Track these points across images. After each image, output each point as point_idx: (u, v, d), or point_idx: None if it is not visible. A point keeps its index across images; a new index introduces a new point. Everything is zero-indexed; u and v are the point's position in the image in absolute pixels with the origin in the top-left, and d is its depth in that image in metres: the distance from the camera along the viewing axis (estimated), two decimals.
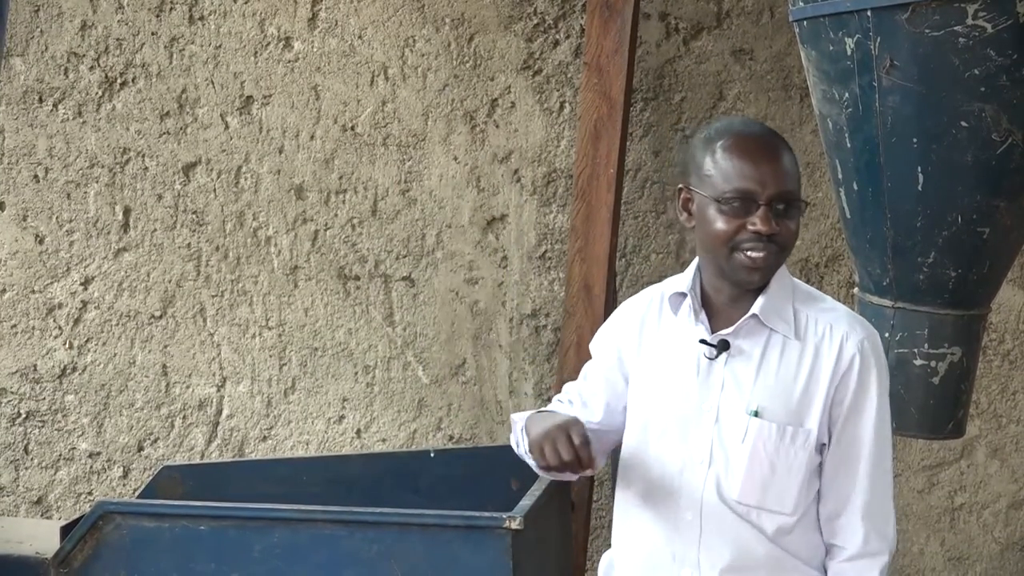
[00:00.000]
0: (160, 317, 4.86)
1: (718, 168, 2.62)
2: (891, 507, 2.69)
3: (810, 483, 2.64)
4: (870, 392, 2.63)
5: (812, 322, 2.65)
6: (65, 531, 3.63)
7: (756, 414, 2.62)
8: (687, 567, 2.66)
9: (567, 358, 4.35)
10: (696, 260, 2.74)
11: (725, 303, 2.68)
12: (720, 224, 2.61)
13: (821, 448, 2.65)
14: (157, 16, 4.78)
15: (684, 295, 2.71)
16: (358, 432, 4.82)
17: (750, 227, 2.60)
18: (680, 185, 2.71)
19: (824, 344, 2.63)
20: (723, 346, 2.65)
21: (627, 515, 2.77)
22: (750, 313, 2.64)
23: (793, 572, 2.66)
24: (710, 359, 2.66)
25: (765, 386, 2.63)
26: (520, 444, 2.82)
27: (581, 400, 2.87)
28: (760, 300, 2.64)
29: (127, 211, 4.85)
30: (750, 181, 2.59)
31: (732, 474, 2.63)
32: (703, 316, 2.69)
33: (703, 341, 2.67)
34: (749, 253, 2.61)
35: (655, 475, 2.70)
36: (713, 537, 2.64)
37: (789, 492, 2.63)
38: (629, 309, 2.85)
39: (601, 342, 2.89)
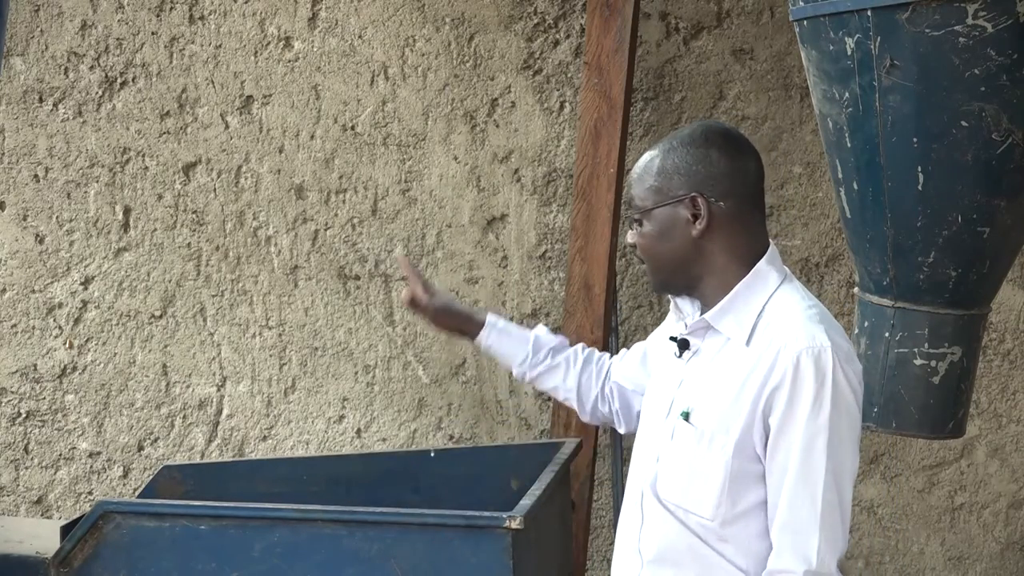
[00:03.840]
0: (160, 317, 4.87)
1: None
2: (816, 528, 2.54)
3: (740, 492, 2.60)
4: (798, 407, 2.54)
5: (768, 330, 2.62)
6: (65, 531, 3.63)
7: (685, 416, 2.64)
8: (632, 554, 2.73)
9: None
10: None
11: (702, 304, 2.74)
12: None
13: (760, 458, 2.60)
14: (157, 16, 4.78)
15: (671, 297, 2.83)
16: (358, 432, 4.82)
17: None
18: None
19: (765, 353, 2.59)
20: (683, 344, 2.71)
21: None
22: (701, 316, 2.69)
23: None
24: (676, 357, 2.73)
25: (705, 389, 2.66)
26: None
27: (623, 359, 3.15)
28: (717, 305, 2.67)
29: (127, 211, 4.85)
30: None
31: (663, 470, 2.68)
32: (689, 318, 2.75)
33: (672, 338, 2.74)
34: None
35: (633, 466, 2.80)
36: (648, 528, 2.70)
37: (707, 496, 2.60)
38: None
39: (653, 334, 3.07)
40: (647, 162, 2.71)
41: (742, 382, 2.60)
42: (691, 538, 2.63)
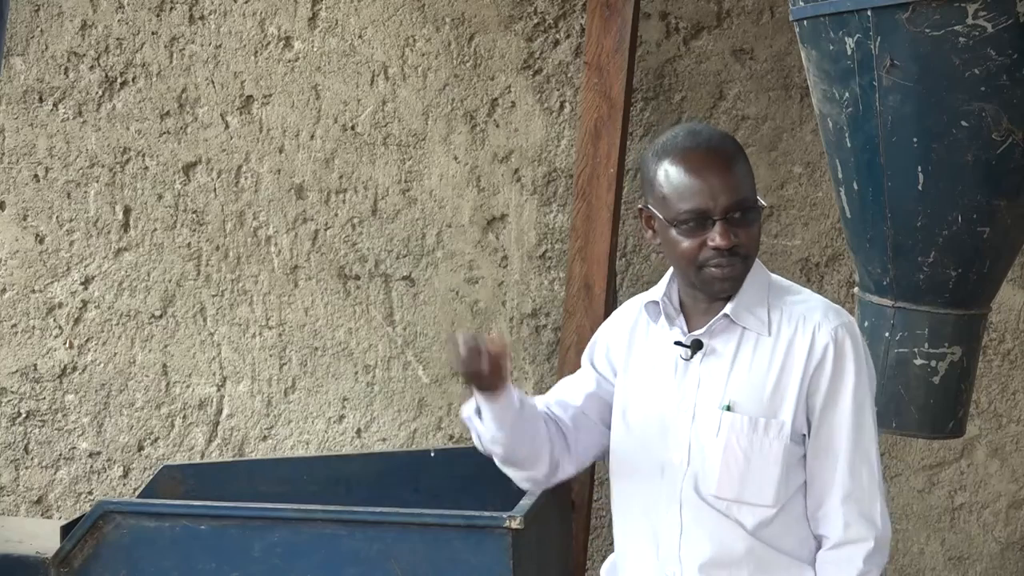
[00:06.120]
0: (160, 317, 4.87)
1: (670, 187, 2.63)
2: (877, 493, 2.65)
3: (791, 475, 2.65)
4: (845, 380, 2.63)
5: (786, 317, 2.66)
6: (65, 531, 3.64)
7: (728, 408, 2.64)
8: (671, 564, 2.69)
9: (567, 358, 4.35)
10: (671, 268, 2.75)
11: (702, 307, 2.71)
12: (682, 245, 2.63)
13: (803, 439, 2.66)
14: (157, 16, 4.78)
15: (658, 303, 2.74)
16: (358, 432, 4.82)
17: (710, 243, 2.61)
18: (640, 205, 2.74)
19: (797, 336, 2.64)
20: (696, 346, 2.68)
21: (619, 517, 2.81)
22: (721, 313, 2.67)
23: (776, 566, 2.65)
24: (685, 360, 2.69)
25: (738, 381, 2.66)
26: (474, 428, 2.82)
27: (562, 391, 2.85)
28: (732, 301, 2.67)
29: (127, 211, 4.85)
30: (702, 198, 2.60)
31: (708, 469, 2.65)
32: (679, 320, 2.72)
33: (678, 343, 2.69)
34: (715, 268, 2.63)
35: (639, 476, 2.73)
36: (693, 533, 2.67)
37: (767, 484, 2.63)
38: (620, 317, 2.87)
39: (593, 347, 2.89)
40: (737, 156, 2.65)
41: (780, 368, 2.63)
42: (742, 533, 2.64)
